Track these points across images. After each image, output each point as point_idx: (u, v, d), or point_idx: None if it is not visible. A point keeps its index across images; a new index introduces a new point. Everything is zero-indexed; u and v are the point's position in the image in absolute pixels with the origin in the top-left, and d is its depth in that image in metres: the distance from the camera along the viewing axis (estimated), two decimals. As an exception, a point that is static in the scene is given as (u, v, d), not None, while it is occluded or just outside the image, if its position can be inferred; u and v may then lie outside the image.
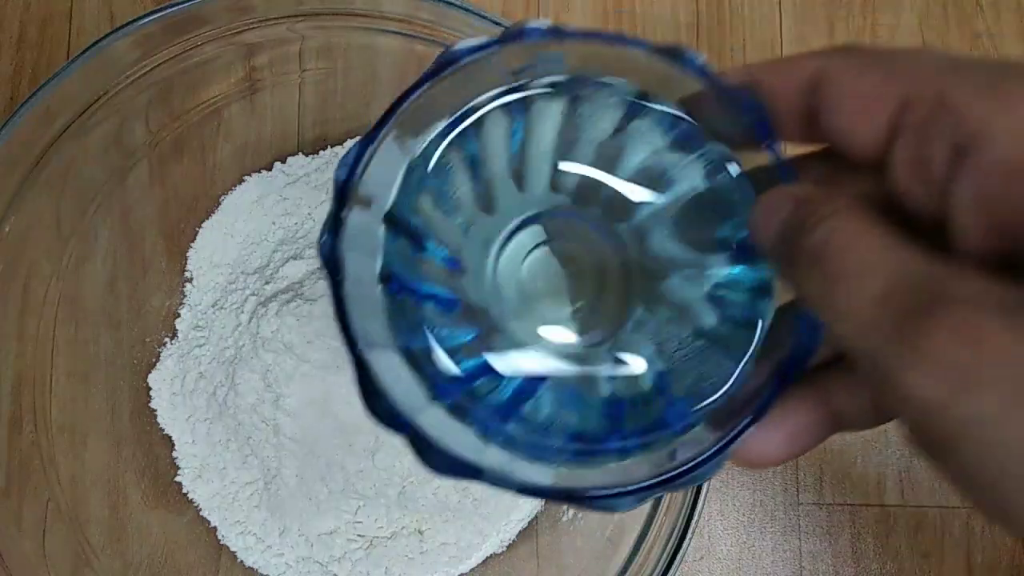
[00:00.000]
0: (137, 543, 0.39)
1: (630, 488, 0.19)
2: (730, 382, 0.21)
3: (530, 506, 0.40)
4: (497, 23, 0.33)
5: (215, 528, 0.40)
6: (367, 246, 0.21)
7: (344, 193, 0.19)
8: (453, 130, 0.22)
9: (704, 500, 0.32)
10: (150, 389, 0.41)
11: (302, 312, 0.40)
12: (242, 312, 0.40)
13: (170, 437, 0.40)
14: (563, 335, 0.23)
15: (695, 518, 0.32)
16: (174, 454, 0.40)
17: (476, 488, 0.39)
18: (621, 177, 0.22)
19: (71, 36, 0.43)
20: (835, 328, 0.16)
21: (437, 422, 0.20)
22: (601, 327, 0.23)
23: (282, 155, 0.42)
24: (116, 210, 0.40)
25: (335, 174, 0.20)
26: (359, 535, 0.39)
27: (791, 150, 0.20)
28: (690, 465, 0.19)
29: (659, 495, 0.19)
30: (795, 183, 0.19)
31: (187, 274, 0.42)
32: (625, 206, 0.22)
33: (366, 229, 0.21)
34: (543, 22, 0.20)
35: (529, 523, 0.40)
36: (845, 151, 0.18)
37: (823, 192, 0.18)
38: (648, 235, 0.22)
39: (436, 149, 0.22)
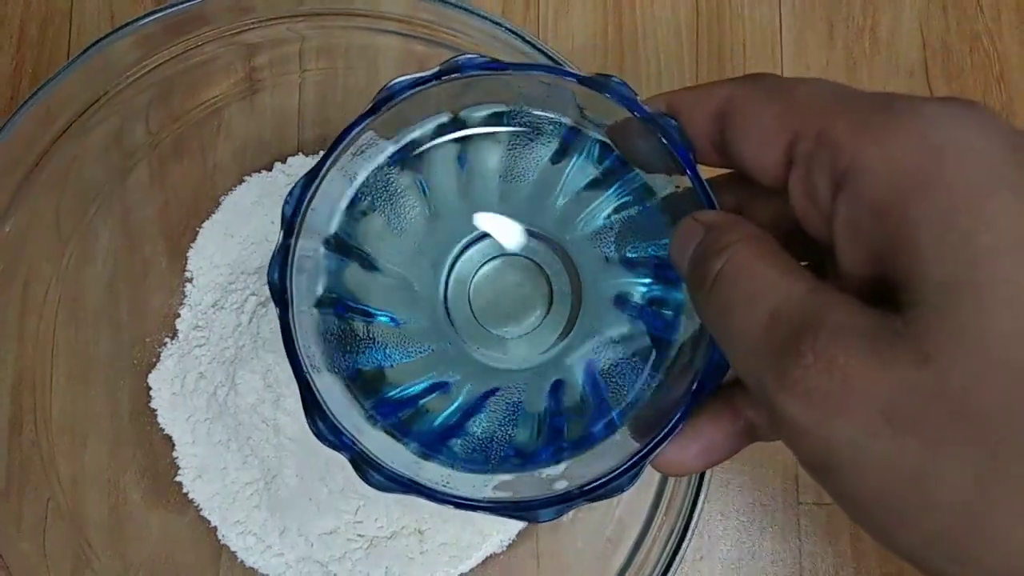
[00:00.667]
0: (137, 543, 0.39)
1: (553, 498, 0.20)
2: (634, 390, 0.22)
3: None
4: (497, 23, 0.33)
5: (215, 528, 0.40)
6: (315, 273, 0.22)
7: (290, 226, 0.21)
8: (399, 159, 0.23)
9: (704, 500, 0.32)
10: (150, 389, 0.41)
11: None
12: (242, 312, 0.40)
13: (170, 437, 0.40)
14: (510, 351, 0.24)
15: (695, 518, 0.32)
16: (174, 454, 0.40)
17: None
18: (560, 201, 0.23)
19: (71, 36, 0.43)
20: (726, 352, 0.18)
21: (377, 440, 0.22)
22: (546, 341, 0.24)
23: (282, 155, 0.42)
24: (116, 210, 0.40)
25: (283, 208, 0.21)
26: (359, 535, 0.39)
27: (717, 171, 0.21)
28: (611, 476, 0.20)
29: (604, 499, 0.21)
30: (710, 210, 0.20)
31: (187, 274, 0.42)
32: (564, 227, 0.23)
33: (314, 257, 0.22)
34: (478, 57, 0.21)
35: (529, 523, 0.40)
36: (753, 176, 0.19)
37: (732, 220, 0.19)
38: (585, 254, 0.23)
39: (383, 176, 0.23)
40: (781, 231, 0.19)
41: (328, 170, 0.21)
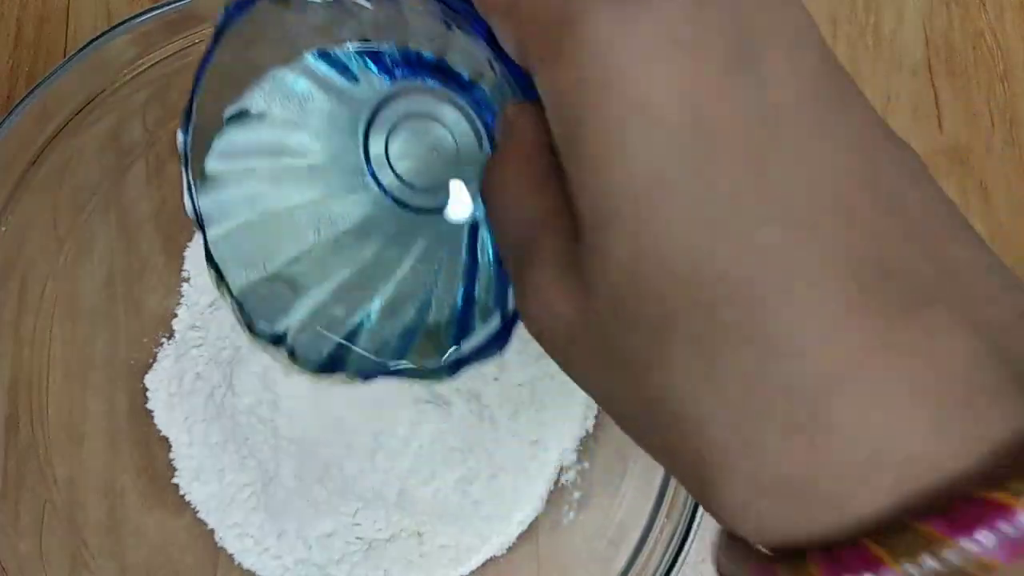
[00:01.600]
0: (134, 545, 0.39)
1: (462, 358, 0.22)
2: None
3: (531, 508, 0.40)
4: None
5: (212, 530, 0.40)
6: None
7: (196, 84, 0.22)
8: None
9: (706, 502, 0.32)
10: (147, 390, 0.40)
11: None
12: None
13: (167, 438, 0.40)
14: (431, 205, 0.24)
15: (697, 520, 0.32)
16: (171, 455, 0.40)
17: (476, 490, 0.39)
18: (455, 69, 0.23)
19: (68, 34, 0.43)
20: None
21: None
22: (462, 195, 0.24)
23: (281, 154, 0.42)
24: (113, 209, 0.40)
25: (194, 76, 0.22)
26: (358, 537, 0.39)
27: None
28: (486, 341, 0.21)
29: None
30: (515, 103, 0.19)
31: (184, 274, 0.42)
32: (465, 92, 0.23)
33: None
34: None
35: (530, 525, 0.40)
36: None
37: (520, 116, 0.18)
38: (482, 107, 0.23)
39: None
40: None
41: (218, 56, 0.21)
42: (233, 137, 0.23)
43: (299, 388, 0.40)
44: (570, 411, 0.41)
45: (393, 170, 0.24)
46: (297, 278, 0.24)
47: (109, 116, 0.37)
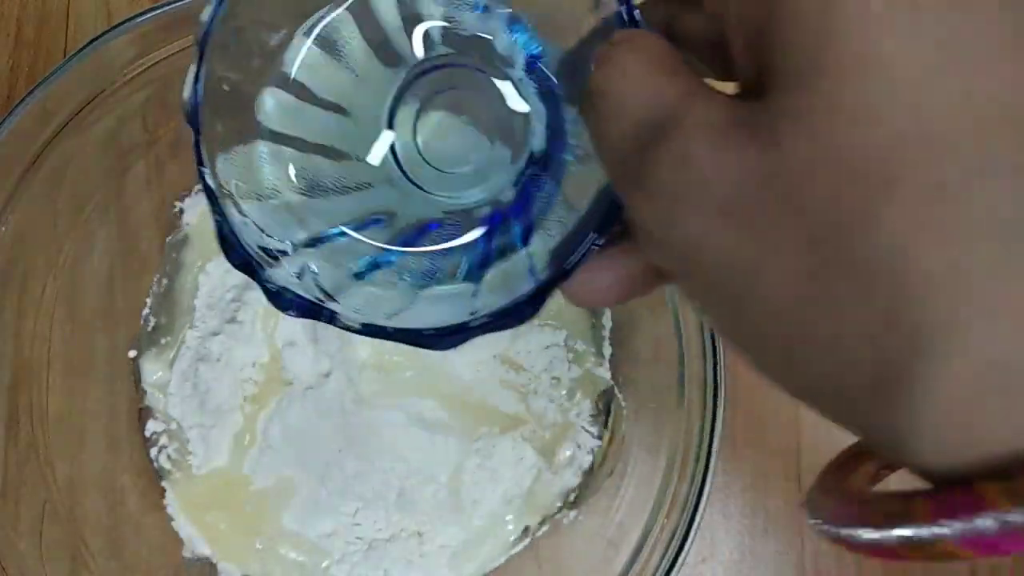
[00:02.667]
0: (134, 544, 0.39)
1: (450, 328, 0.20)
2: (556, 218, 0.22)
3: (531, 508, 0.40)
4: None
5: (213, 530, 0.40)
6: (239, 103, 0.22)
7: (203, 47, 0.20)
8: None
9: (706, 502, 0.32)
10: (147, 390, 0.40)
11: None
12: (239, 312, 0.40)
13: (167, 438, 0.40)
14: (458, 188, 0.23)
15: (696, 520, 0.32)
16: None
17: (476, 490, 0.39)
18: (502, 33, 0.23)
19: (68, 34, 0.43)
20: (605, 170, 0.17)
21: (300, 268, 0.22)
22: (492, 172, 0.23)
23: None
24: (113, 209, 0.40)
25: (198, 28, 0.20)
26: (358, 537, 0.39)
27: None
28: (515, 302, 0.20)
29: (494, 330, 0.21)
30: (626, 29, 0.19)
31: (185, 274, 0.42)
32: (511, 56, 0.23)
33: (240, 89, 0.22)
34: None
35: (530, 526, 0.40)
36: None
37: (636, 34, 0.18)
38: (527, 82, 0.23)
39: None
40: (708, 49, 0.18)
41: None
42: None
43: (300, 389, 0.40)
44: (571, 411, 0.41)
45: (420, 152, 0.23)
46: (301, 209, 0.23)
47: (109, 116, 0.37)
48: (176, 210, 0.42)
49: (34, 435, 0.38)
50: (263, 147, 0.22)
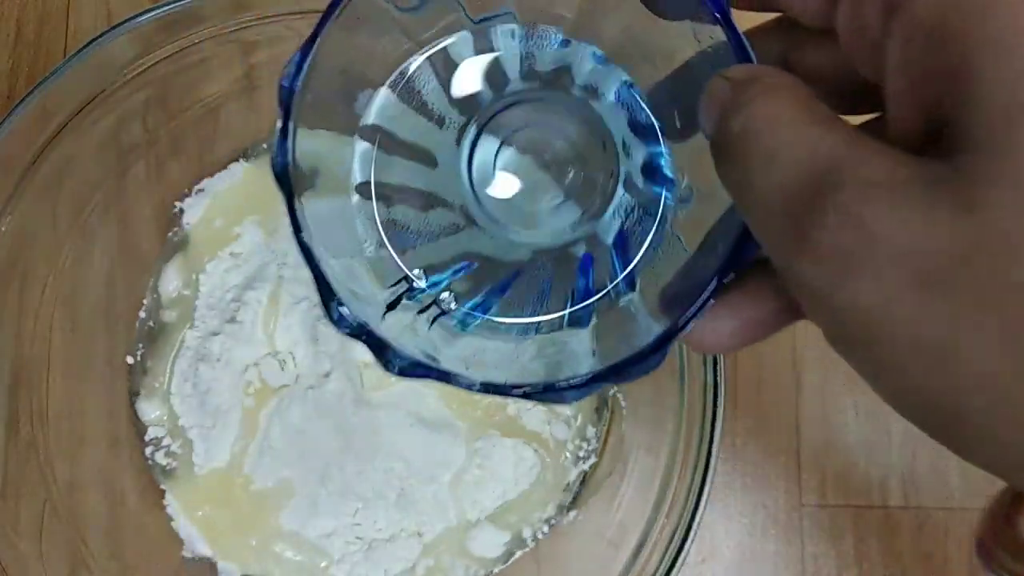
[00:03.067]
0: (134, 544, 0.39)
1: (579, 380, 0.19)
2: (641, 251, 0.21)
3: (531, 508, 0.40)
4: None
5: (213, 530, 0.40)
6: (331, 159, 0.21)
7: (288, 106, 0.20)
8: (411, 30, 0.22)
9: (706, 502, 0.32)
10: (148, 426, 0.40)
11: (302, 309, 0.40)
12: (239, 313, 0.40)
13: (168, 430, 0.40)
14: (540, 225, 0.23)
15: (697, 520, 0.32)
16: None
17: (476, 490, 0.39)
18: (579, 77, 0.22)
19: (68, 34, 0.43)
20: (747, 219, 0.16)
21: (398, 325, 0.21)
22: (574, 213, 0.23)
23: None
24: (113, 209, 0.40)
25: (281, 82, 0.20)
26: (358, 537, 0.38)
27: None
28: (640, 352, 0.19)
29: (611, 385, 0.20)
30: (743, 64, 0.18)
31: (185, 274, 0.42)
32: (597, 88, 0.22)
33: (324, 145, 0.21)
34: None
35: (530, 526, 0.40)
36: (795, 16, 0.17)
37: (760, 71, 0.17)
38: (616, 115, 0.22)
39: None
40: (833, 83, 0.17)
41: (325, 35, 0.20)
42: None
43: (300, 389, 0.40)
44: (569, 411, 0.41)
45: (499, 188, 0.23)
46: (389, 262, 0.22)
47: (110, 116, 0.37)
48: (176, 210, 0.42)
49: (34, 435, 0.38)
50: (351, 201, 0.22)
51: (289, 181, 0.20)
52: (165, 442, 0.40)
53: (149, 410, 0.40)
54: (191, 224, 0.42)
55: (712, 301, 0.18)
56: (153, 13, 0.34)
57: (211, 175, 0.42)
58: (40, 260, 0.38)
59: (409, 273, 0.22)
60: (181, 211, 0.42)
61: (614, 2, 0.22)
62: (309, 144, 0.20)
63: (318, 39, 0.20)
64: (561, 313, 0.22)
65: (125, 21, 0.34)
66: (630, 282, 0.22)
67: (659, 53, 0.21)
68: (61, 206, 0.38)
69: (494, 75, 0.23)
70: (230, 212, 0.42)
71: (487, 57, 0.22)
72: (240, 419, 0.39)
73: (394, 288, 0.22)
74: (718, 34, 0.18)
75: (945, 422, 0.14)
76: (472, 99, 0.23)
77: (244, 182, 0.42)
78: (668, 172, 0.22)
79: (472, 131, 0.23)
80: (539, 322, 0.22)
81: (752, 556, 0.40)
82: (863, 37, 0.16)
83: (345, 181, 0.22)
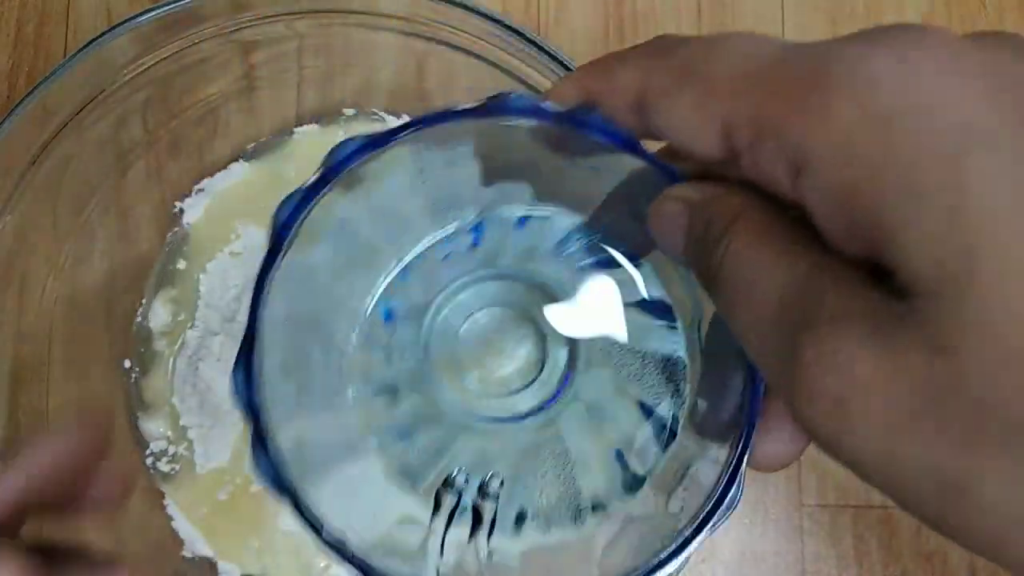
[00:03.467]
0: (134, 544, 0.39)
1: (679, 544, 0.18)
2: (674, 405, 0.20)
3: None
4: (496, 20, 0.33)
5: (213, 529, 0.40)
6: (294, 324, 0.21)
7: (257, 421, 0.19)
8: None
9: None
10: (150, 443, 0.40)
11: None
12: (238, 313, 0.40)
13: (168, 438, 0.40)
14: (510, 408, 0.22)
15: (697, 520, 0.32)
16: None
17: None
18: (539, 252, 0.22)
19: (68, 34, 0.43)
20: (746, 351, 0.16)
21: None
22: (549, 380, 0.22)
23: (281, 154, 0.42)
24: (113, 209, 0.40)
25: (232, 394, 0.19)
26: (358, 537, 0.38)
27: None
28: (717, 496, 0.18)
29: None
30: (682, 182, 0.18)
31: (185, 274, 0.42)
32: (537, 262, 0.22)
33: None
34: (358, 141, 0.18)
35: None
36: (702, 161, 0.17)
37: (715, 191, 0.17)
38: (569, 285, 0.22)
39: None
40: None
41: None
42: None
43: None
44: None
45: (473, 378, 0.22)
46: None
47: (109, 116, 0.37)
48: (176, 210, 0.42)
49: (35, 434, 0.38)
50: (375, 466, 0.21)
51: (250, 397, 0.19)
52: (165, 443, 0.40)
53: (149, 412, 0.40)
54: (191, 224, 0.42)
55: (757, 418, 0.18)
56: (153, 13, 0.34)
57: (211, 175, 0.42)
58: (40, 259, 0.38)
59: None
60: (181, 211, 0.42)
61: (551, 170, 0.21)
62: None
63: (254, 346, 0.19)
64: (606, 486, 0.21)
65: (125, 21, 0.34)
66: (672, 428, 0.21)
67: (585, 193, 0.21)
68: (61, 206, 0.38)
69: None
70: (230, 212, 0.42)
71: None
72: (240, 419, 0.39)
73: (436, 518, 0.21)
74: (634, 163, 0.18)
75: (985, 543, 0.14)
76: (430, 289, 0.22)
77: (244, 182, 0.42)
78: (658, 296, 0.21)
79: (431, 312, 0.22)
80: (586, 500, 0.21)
81: (752, 556, 0.40)
82: (775, 187, 0.15)
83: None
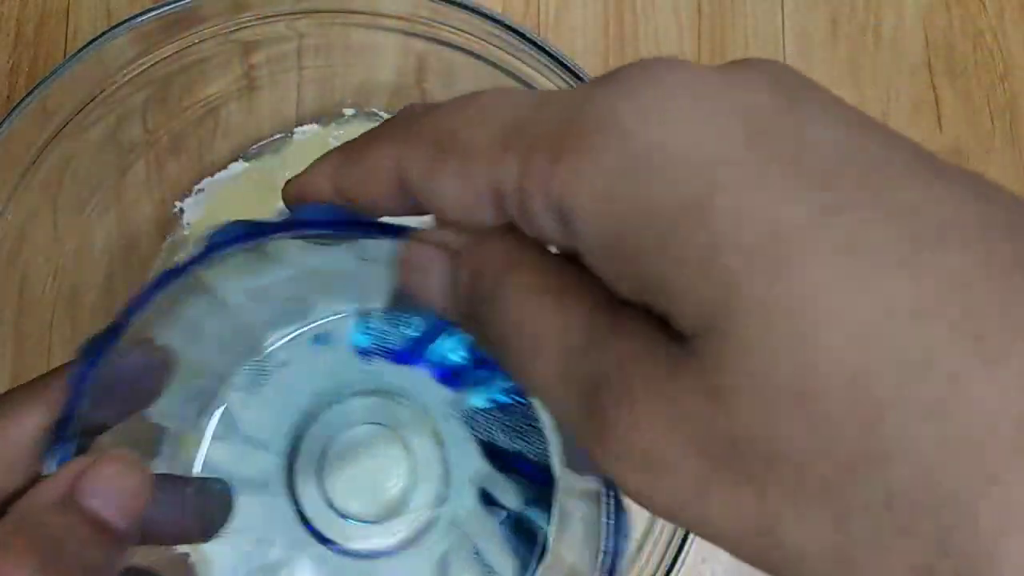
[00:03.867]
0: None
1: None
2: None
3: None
4: (496, 20, 0.33)
5: (213, 529, 0.39)
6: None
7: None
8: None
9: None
10: (146, 390, 0.40)
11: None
12: (239, 312, 0.40)
13: (168, 438, 0.40)
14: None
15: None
16: (172, 455, 0.40)
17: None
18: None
19: (68, 34, 0.43)
20: (547, 410, 0.16)
21: None
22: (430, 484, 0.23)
23: (281, 154, 0.42)
24: (113, 209, 0.40)
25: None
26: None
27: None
28: (614, 521, 0.19)
29: None
30: (443, 231, 0.17)
31: (185, 274, 0.42)
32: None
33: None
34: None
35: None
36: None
37: (478, 236, 0.16)
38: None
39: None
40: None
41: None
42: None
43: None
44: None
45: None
46: None
47: (109, 116, 0.37)
48: (176, 210, 0.42)
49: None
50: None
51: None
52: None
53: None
54: (191, 224, 0.42)
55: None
56: (153, 13, 0.34)
57: (211, 175, 0.42)
58: (40, 259, 0.38)
59: None
60: (181, 211, 0.42)
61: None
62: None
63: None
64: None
65: (125, 21, 0.34)
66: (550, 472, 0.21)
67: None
68: (61, 206, 0.38)
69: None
70: (230, 212, 0.42)
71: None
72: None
73: None
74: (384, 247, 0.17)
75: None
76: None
77: (244, 182, 0.42)
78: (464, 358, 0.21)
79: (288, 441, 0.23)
80: None
81: (752, 556, 0.40)
82: (550, 242, 0.15)
83: None
